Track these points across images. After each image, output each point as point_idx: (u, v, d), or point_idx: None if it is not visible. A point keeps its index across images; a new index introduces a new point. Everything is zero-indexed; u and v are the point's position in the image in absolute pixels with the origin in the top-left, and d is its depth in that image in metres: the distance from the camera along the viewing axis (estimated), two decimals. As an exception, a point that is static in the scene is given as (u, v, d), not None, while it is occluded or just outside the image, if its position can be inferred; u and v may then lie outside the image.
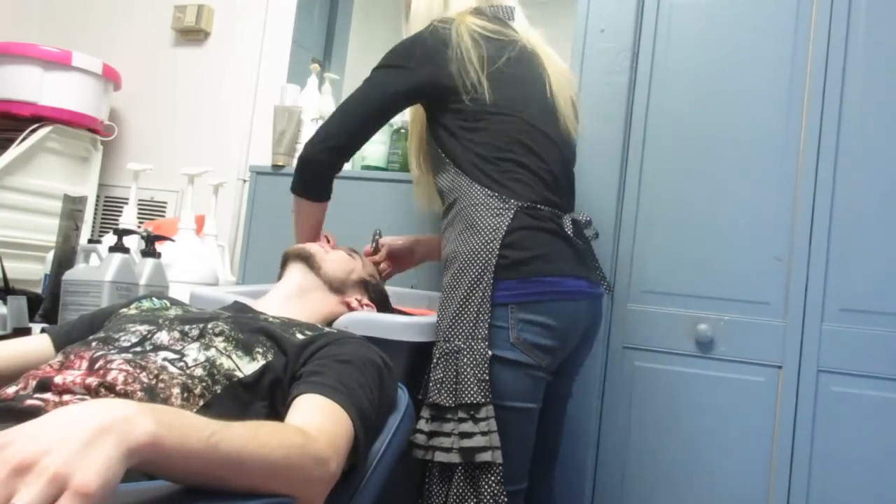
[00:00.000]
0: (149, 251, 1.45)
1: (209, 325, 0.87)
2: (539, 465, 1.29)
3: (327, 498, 0.69)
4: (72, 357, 0.80)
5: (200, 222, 1.85)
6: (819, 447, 1.37)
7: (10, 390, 0.76)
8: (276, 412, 0.80)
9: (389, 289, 1.38)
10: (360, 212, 1.68)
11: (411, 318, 1.20)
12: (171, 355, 0.80)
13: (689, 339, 1.49)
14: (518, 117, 1.19)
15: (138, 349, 0.82)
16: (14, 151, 1.95)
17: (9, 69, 2.01)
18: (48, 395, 0.73)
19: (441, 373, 1.08)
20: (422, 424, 1.07)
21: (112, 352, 0.81)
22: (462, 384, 1.06)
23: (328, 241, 1.28)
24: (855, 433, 1.35)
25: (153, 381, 0.75)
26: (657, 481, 1.49)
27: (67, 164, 2.13)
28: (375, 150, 1.80)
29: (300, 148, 1.86)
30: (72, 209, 1.54)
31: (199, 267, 1.67)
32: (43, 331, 1.00)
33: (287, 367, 0.84)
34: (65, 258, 1.49)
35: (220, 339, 0.85)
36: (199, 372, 0.79)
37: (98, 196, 2.31)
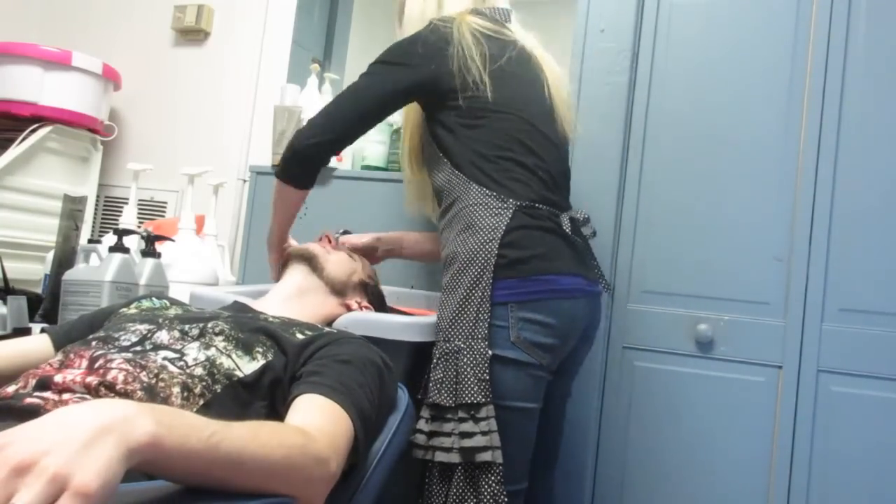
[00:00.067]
0: (149, 251, 1.45)
1: (209, 325, 0.87)
2: (539, 466, 1.29)
3: (327, 498, 0.69)
4: (71, 356, 0.80)
5: (200, 222, 1.85)
6: (819, 447, 1.37)
7: (10, 389, 0.76)
8: (276, 412, 0.80)
9: (389, 289, 1.38)
10: (360, 212, 1.68)
11: (411, 318, 1.20)
12: (171, 354, 0.80)
13: (689, 339, 1.49)
14: (518, 116, 1.19)
15: (138, 348, 0.82)
16: (14, 151, 1.95)
17: (9, 69, 2.00)
18: (48, 394, 0.73)
19: (441, 373, 1.08)
20: (422, 424, 1.07)
21: (112, 351, 0.81)
22: (462, 384, 1.06)
23: (329, 242, 1.28)
24: (855, 433, 1.35)
25: (153, 381, 0.75)
26: (657, 481, 1.49)
27: (67, 164, 2.13)
28: (375, 150, 1.80)
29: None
30: (72, 209, 1.54)
31: (199, 267, 1.67)
32: (43, 330, 1.00)
33: (287, 366, 0.84)
34: (65, 258, 1.49)
35: (220, 338, 0.85)
36: (198, 371, 0.79)
37: (98, 196, 2.31)
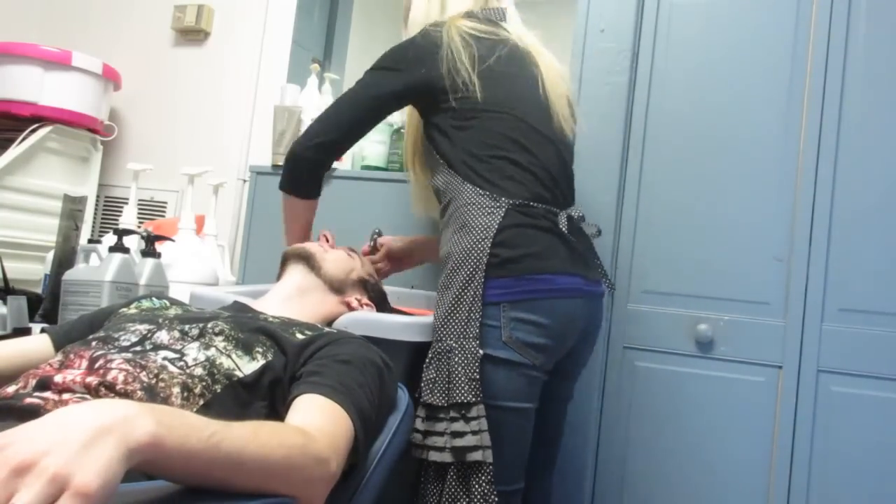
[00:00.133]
0: (149, 251, 1.45)
1: (209, 325, 0.87)
2: (537, 467, 1.28)
3: (327, 498, 0.69)
4: (71, 356, 0.80)
5: (200, 222, 1.85)
6: (819, 447, 1.37)
7: (10, 389, 0.76)
8: (276, 412, 0.80)
9: (389, 288, 1.38)
10: (360, 212, 1.68)
11: (411, 318, 1.20)
12: (170, 355, 0.80)
13: (689, 339, 1.49)
14: (510, 114, 1.18)
15: (138, 348, 0.82)
16: (14, 151, 1.95)
17: (9, 69, 2.00)
18: (48, 394, 0.73)
19: (434, 373, 1.08)
20: (418, 424, 1.07)
21: (112, 351, 0.81)
22: (454, 384, 1.06)
23: (327, 241, 1.28)
24: (855, 433, 1.35)
25: (153, 381, 0.75)
26: (657, 481, 1.49)
27: (67, 164, 2.13)
28: (375, 150, 1.80)
29: (298, 148, 1.87)
30: (72, 209, 1.54)
31: (199, 267, 1.67)
32: (43, 330, 1.00)
33: (287, 366, 0.84)
34: (65, 258, 1.49)
35: (220, 338, 0.85)
36: (198, 371, 0.79)
37: (98, 196, 2.31)
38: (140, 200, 2.10)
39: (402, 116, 1.51)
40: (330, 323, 1.11)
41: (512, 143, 1.17)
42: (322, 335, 0.90)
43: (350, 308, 1.16)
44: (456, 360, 1.07)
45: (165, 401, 0.74)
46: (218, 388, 0.78)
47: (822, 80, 1.44)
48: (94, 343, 0.84)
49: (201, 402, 0.76)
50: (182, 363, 0.79)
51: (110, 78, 2.17)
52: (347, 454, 0.73)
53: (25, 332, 1.26)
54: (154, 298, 1.03)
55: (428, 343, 1.13)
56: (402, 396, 0.97)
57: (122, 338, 0.85)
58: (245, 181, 2.14)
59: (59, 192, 1.74)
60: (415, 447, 1.07)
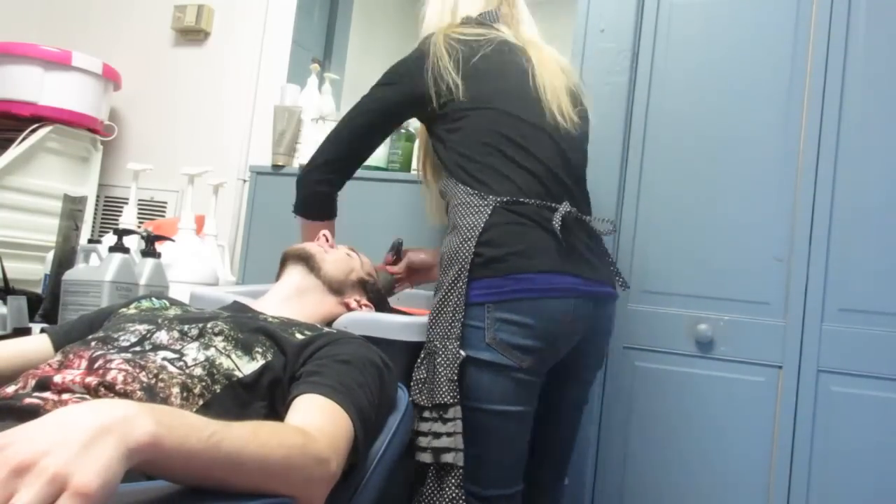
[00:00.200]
0: (149, 251, 1.45)
1: (208, 325, 0.87)
2: (547, 475, 1.27)
3: (327, 498, 0.69)
4: (71, 356, 0.80)
5: (200, 222, 1.85)
6: (819, 447, 1.37)
7: (10, 389, 0.76)
8: (276, 412, 0.80)
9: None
10: (360, 212, 1.67)
11: (410, 318, 1.20)
12: (170, 355, 0.80)
13: (689, 339, 1.49)
14: (495, 109, 1.17)
15: (137, 349, 0.82)
16: (14, 151, 1.95)
17: (9, 69, 2.00)
18: (47, 394, 0.73)
19: (423, 373, 1.08)
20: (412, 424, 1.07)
21: (111, 351, 0.81)
22: (435, 385, 1.06)
23: (327, 241, 1.28)
24: (855, 433, 1.35)
25: (152, 381, 0.75)
26: (658, 481, 1.49)
27: (67, 164, 2.13)
28: (375, 150, 1.80)
29: (300, 148, 1.87)
30: (72, 209, 1.54)
31: (199, 267, 1.67)
32: (43, 331, 1.00)
33: (286, 366, 0.84)
34: (65, 258, 1.49)
35: (220, 338, 0.85)
36: (198, 371, 0.79)
37: (98, 196, 2.31)
38: (140, 200, 2.10)
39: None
40: (329, 323, 1.11)
41: (501, 138, 1.15)
42: (322, 335, 0.90)
43: (349, 309, 1.16)
44: (439, 360, 1.07)
45: (165, 401, 0.74)
46: (217, 388, 0.78)
47: (822, 80, 1.44)
48: (93, 343, 0.84)
49: (201, 403, 0.76)
50: (181, 363, 0.79)
51: (110, 78, 2.17)
52: (347, 454, 0.73)
53: (25, 332, 1.26)
54: (154, 298, 1.03)
55: (426, 343, 1.13)
56: (402, 396, 0.97)
57: (122, 338, 0.85)
58: (245, 181, 2.14)
59: (59, 192, 1.74)
60: (412, 447, 1.07)
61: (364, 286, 1.20)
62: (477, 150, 1.16)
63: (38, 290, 1.62)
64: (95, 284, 1.31)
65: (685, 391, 1.48)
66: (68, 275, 1.36)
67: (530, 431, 1.16)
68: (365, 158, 1.32)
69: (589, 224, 1.17)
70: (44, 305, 1.46)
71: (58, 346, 0.94)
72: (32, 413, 0.68)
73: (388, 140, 1.81)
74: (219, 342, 0.84)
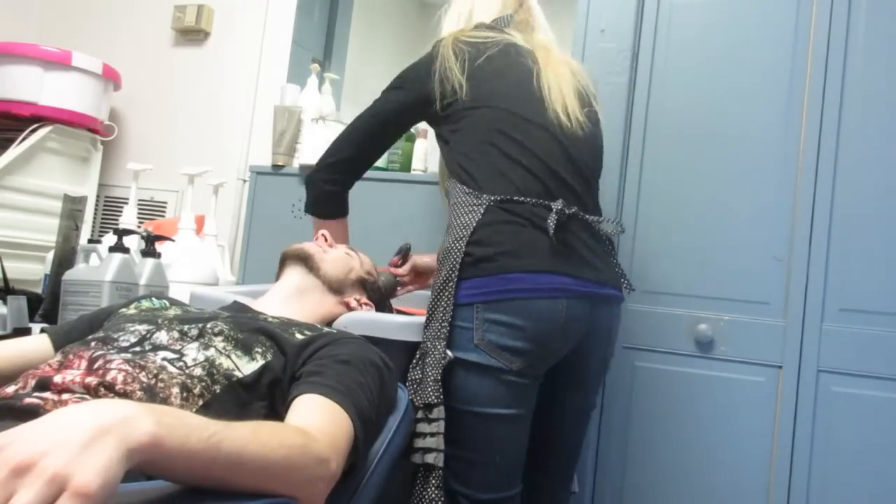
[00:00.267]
0: (149, 251, 1.45)
1: (208, 325, 0.87)
2: (554, 481, 1.26)
3: (327, 498, 0.69)
4: (71, 357, 0.80)
5: (200, 222, 1.85)
6: (819, 447, 1.37)
7: (10, 389, 0.76)
8: (276, 412, 0.80)
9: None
10: (360, 212, 1.67)
11: (410, 317, 1.20)
12: (170, 355, 0.80)
13: (689, 339, 1.49)
14: (495, 107, 1.16)
15: (137, 349, 0.82)
16: (14, 151, 1.95)
17: (9, 69, 2.00)
18: (47, 394, 0.73)
19: (416, 373, 1.08)
20: None
21: (111, 351, 0.81)
22: (424, 384, 1.05)
23: (325, 240, 1.28)
24: (855, 433, 1.35)
25: (152, 381, 0.75)
26: (657, 481, 1.49)
27: (67, 164, 2.13)
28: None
29: (300, 148, 1.88)
30: (72, 209, 1.54)
31: (199, 267, 1.67)
32: (42, 331, 1.00)
33: (286, 367, 0.84)
34: (65, 258, 1.49)
35: (220, 338, 0.85)
36: (198, 372, 0.79)
37: (98, 196, 2.31)
38: (140, 200, 2.10)
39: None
40: (329, 323, 1.11)
41: (499, 135, 1.14)
42: (321, 335, 0.90)
43: (349, 308, 1.16)
44: (428, 361, 1.07)
45: (165, 401, 0.74)
46: (217, 388, 0.78)
47: (822, 80, 1.44)
48: (93, 343, 0.84)
49: (201, 403, 0.76)
50: (181, 363, 0.79)
51: (110, 78, 2.17)
52: (347, 454, 0.73)
53: (25, 332, 1.26)
54: (154, 298, 1.03)
55: (426, 343, 1.13)
56: (402, 396, 0.97)
57: (122, 338, 0.85)
58: (245, 181, 2.14)
59: (59, 192, 1.74)
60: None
61: (364, 285, 1.20)
62: (476, 149, 1.16)
63: (38, 290, 1.62)
64: (95, 284, 1.31)
65: (685, 391, 1.48)
66: (68, 275, 1.36)
67: (527, 434, 1.14)
68: (374, 160, 1.33)
69: (593, 224, 1.15)
70: (44, 305, 1.46)
71: (58, 346, 0.94)
72: (32, 413, 0.68)
73: (388, 140, 1.81)
74: (219, 342, 0.84)
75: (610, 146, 1.54)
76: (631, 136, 1.58)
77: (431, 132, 1.79)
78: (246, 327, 0.88)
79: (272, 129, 1.90)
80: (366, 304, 1.19)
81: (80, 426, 0.46)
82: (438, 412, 1.03)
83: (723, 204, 1.49)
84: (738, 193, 1.49)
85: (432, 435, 1.03)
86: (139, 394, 0.73)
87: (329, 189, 1.30)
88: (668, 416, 1.49)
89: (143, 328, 0.87)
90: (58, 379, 0.74)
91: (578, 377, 1.21)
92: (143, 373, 0.76)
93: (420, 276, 1.43)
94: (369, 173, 1.75)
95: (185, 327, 0.87)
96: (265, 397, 0.81)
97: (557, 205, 1.09)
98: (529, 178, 1.12)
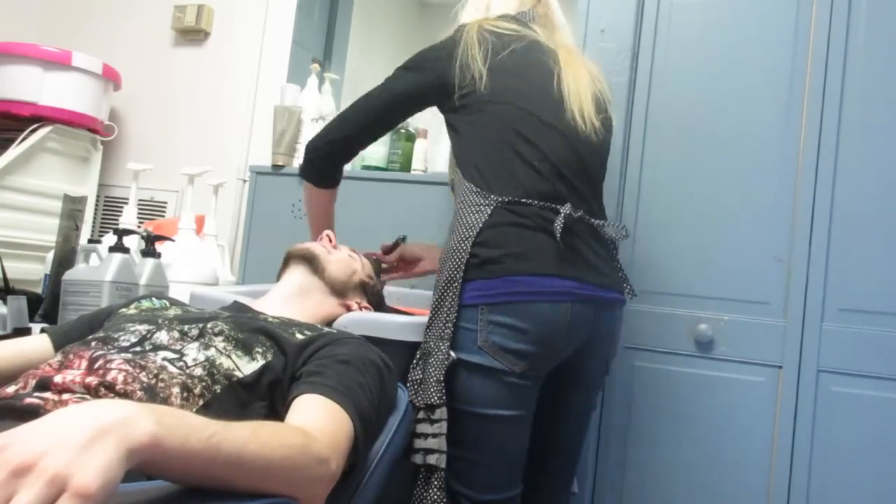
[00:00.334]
0: (149, 251, 1.45)
1: (209, 325, 0.87)
2: (554, 482, 1.26)
3: (327, 498, 0.69)
4: (71, 357, 0.80)
5: (200, 222, 1.85)
6: (819, 447, 1.37)
7: (10, 389, 0.76)
8: (276, 412, 0.80)
9: (390, 288, 1.38)
10: (360, 212, 1.68)
11: (410, 318, 1.20)
12: (170, 355, 0.80)
13: (689, 339, 1.49)
14: (513, 104, 1.15)
15: (138, 349, 0.82)
16: (14, 151, 1.95)
17: (9, 69, 2.01)
18: (47, 394, 0.73)
19: (417, 374, 1.08)
20: None
21: (111, 351, 0.81)
22: (426, 385, 1.05)
23: (330, 241, 1.28)
24: (855, 433, 1.35)
25: (153, 381, 0.75)
26: (657, 481, 1.49)
27: (67, 164, 2.13)
28: (375, 150, 1.80)
29: (300, 148, 1.88)
30: (72, 209, 1.54)
31: (199, 267, 1.67)
32: (43, 331, 1.00)
33: (286, 367, 0.84)
34: (65, 258, 1.49)
35: (220, 338, 0.85)
36: (198, 371, 0.79)
37: (98, 196, 2.31)
38: (140, 200, 2.10)
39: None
40: (329, 324, 1.11)
41: (514, 133, 1.13)
42: (322, 335, 0.90)
43: (349, 310, 1.15)
44: (431, 361, 1.06)
45: (165, 401, 0.74)
46: (217, 388, 0.78)
47: (822, 80, 1.44)
48: (93, 343, 0.84)
49: (201, 403, 0.76)
50: (182, 363, 0.79)
51: (110, 78, 2.17)
52: (348, 454, 0.73)
53: (25, 332, 1.26)
54: (154, 298, 1.03)
55: (427, 343, 1.13)
56: (402, 396, 0.97)
57: (122, 338, 0.85)
58: (245, 181, 2.14)
59: (59, 192, 1.74)
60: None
61: (365, 288, 1.21)
62: (489, 145, 1.14)
63: (38, 290, 1.62)
64: (95, 284, 1.31)
65: (685, 391, 1.48)
66: (68, 275, 1.36)
67: (528, 435, 1.14)
68: (377, 138, 1.32)
69: (599, 229, 1.15)
70: (44, 305, 1.46)
71: (58, 346, 0.94)
72: (32, 413, 0.68)
73: (387, 140, 1.81)
74: (219, 342, 0.84)
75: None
76: (631, 135, 1.58)
77: (431, 132, 1.81)
78: (246, 327, 0.88)
79: (272, 129, 1.90)
80: (366, 307, 1.19)
81: (80, 426, 0.46)
82: (441, 413, 1.03)
83: (723, 204, 1.49)
84: (738, 193, 1.49)
85: (434, 436, 1.03)
86: (139, 394, 0.73)
87: (327, 161, 1.28)
88: (668, 416, 1.49)
89: (143, 328, 0.87)
90: (58, 379, 0.74)
91: (580, 378, 1.21)
92: (144, 373, 0.76)
93: (407, 264, 1.43)
94: (369, 173, 1.76)
95: (186, 327, 0.87)
96: (265, 397, 0.81)
97: (566, 209, 1.09)
98: (539, 179, 1.11)
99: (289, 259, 1.17)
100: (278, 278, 1.17)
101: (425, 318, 1.15)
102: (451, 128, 1.22)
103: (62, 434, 0.45)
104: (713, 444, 1.45)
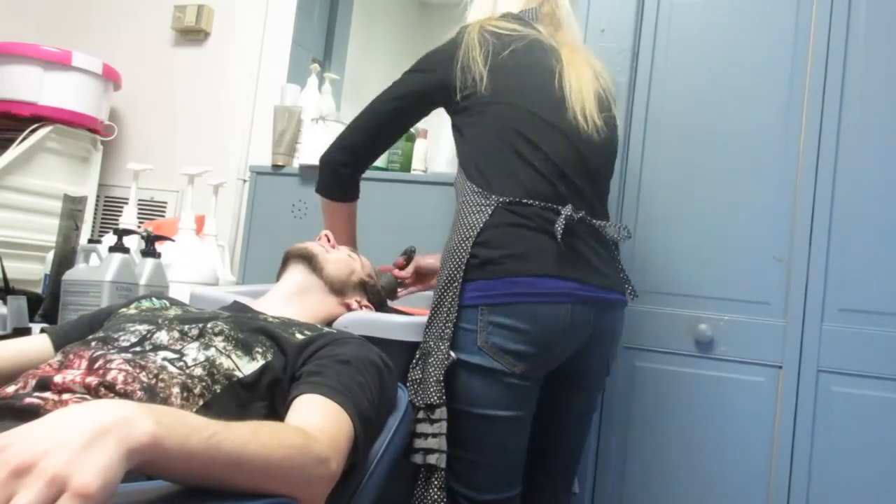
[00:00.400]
0: (149, 251, 1.45)
1: (209, 325, 0.87)
2: (555, 482, 1.25)
3: (327, 498, 0.69)
4: (71, 357, 0.80)
5: (200, 222, 1.85)
6: (819, 447, 1.37)
7: (10, 389, 0.76)
8: (276, 412, 0.80)
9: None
10: (360, 212, 1.67)
11: (410, 318, 1.20)
12: (170, 355, 0.80)
13: (689, 339, 1.49)
14: (513, 104, 1.14)
15: (138, 349, 0.82)
16: (14, 151, 1.95)
17: (9, 69, 2.00)
18: (47, 394, 0.73)
19: (417, 373, 1.08)
20: None
21: (111, 351, 0.81)
22: (425, 384, 1.05)
23: (328, 241, 1.28)
24: (855, 433, 1.35)
25: (153, 381, 0.75)
26: (657, 481, 1.49)
27: (67, 164, 2.13)
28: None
29: (300, 148, 1.88)
30: (72, 209, 1.54)
31: (199, 267, 1.67)
32: (43, 331, 1.00)
33: (286, 367, 0.84)
34: (65, 258, 1.49)
35: (220, 338, 0.85)
36: (198, 371, 0.79)
37: (98, 196, 2.30)
38: (140, 200, 2.10)
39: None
40: (329, 323, 1.11)
41: (514, 134, 1.13)
42: (322, 335, 0.90)
43: (349, 309, 1.16)
44: (430, 361, 1.06)
45: (165, 401, 0.74)
46: (217, 388, 0.78)
47: (822, 79, 1.45)
48: (93, 343, 0.84)
49: (201, 403, 0.76)
50: (182, 363, 0.79)
51: (110, 78, 2.17)
52: (348, 454, 0.73)
53: (25, 332, 1.26)
54: (154, 298, 1.03)
55: (426, 344, 1.13)
56: (402, 396, 0.97)
57: (122, 338, 0.85)
58: (245, 181, 2.14)
59: (59, 192, 1.74)
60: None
61: (364, 287, 1.21)
62: (490, 146, 1.14)
63: (38, 290, 1.62)
64: (95, 284, 1.31)
65: (685, 391, 1.48)
66: (68, 275, 1.36)
67: (527, 436, 1.14)
68: (390, 144, 1.32)
69: (600, 230, 1.14)
70: (44, 305, 1.46)
71: (58, 346, 0.94)
72: (32, 413, 0.68)
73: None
74: (219, 342, 0.84)
75: (610, 146, 1.55)
76: (631, 135, 1.58)
77: (431, 131, 1.81)
78: (246, 327, 0.88)
79: (272, 129, 1.90)
80: (366, 306, 1.19)
81: (80, 427, 0.46)
82: (441, 413, 1.03)
83: (723, 204, 1.50)
84: (738, 193, 1.49)
85: (434, 436, 1.03)
86: (139, 394, 0.73)
87: (343, 172, 1.29)
88: (668, 417, 1.49)
89: (143, 328, 0.87)
90: (58, 379, 0.74)
91: (580, 379, 1.21)
92: (144, 373, 0.76)
93: (422, 277, 1.42)
94: (369, 173, 1.75)
95: (186, 327, 0.87)
96: (265, 397, 0.81)
97: (567, 210, 1.09)
98: (539, 179, 1.11)
99: (287, 259, 1.17)
100: (278, 278, 1.17)
101: (425, 318, 1.15)
102: (455, 129, 1.23)
103: (62, 434, 0.45)
104: (713, 444, 1.45)
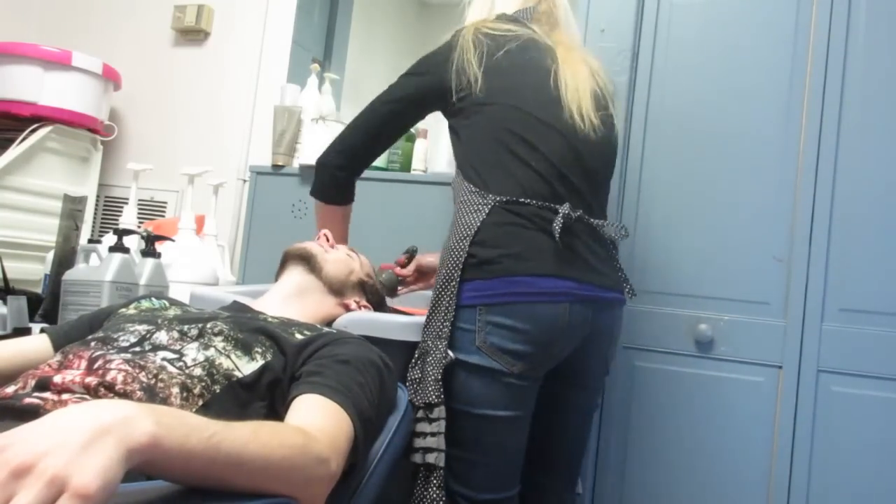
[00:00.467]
0: (149, 251, 1.45)
1: (208, 325, 0.87)
2: (557, 482, 1.25)
3: (327, 498, 0.69)
4: (70, 357, 0.80)
5: (200, 222, 1.85)
6: (819, 447, 1.37)
7: (9, 389, 0.76)
8: (276, 412, 0.80)
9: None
10: (360, 212, 1.67)
11: (410, 318, 1.20)
12: (170, 355, 0.80)
13: (689, 339, 1.49)
14: (508, 104, 1.14)
15: (137, 349, 0.82)
16: (14, 151, 1.95)
17: (9, 69, 2.00)
18: (47, 394, 0.73)
19: (416, 373, 1.08)
20: None
21: (111, 351, 0.81)
22: (424, 384, 1.05)
23: (327, 240, 1.28)
24: (855, 433, 1.35)
25: (152, 381, 0.75)
26: (657, 481, 1.49)
27: (67, 164, 2.13)
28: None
29: (300, 148, 1.88)
30: (72, 209, 1.54)
31: (199, 267, 1.67)
32: (42, 331, 1.00)
33: (286, 367, 0.84)
34: (65, 258, 1.49)
35: (220, 338, 0.85)
36: (198, 372, 0.79)
37: (98, 196, 2.31)
38: (140, 200, 2.10)
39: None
40: (329, 323, 1.11)
41: (510, 134, 1.12)
42: (321, 335, 0.90)
43: (348, 309, 1.15)
44: (429, 360, 1.06)
45: (165, 401, 0.74)
46: (217, 388, 0.78)
47: (822, 79, 1.44)
48: (93, 343, 0.84)
49: (200, 403, 0.76)
50: (181, 363, 0.79)
51: (110, 78, 2.17)
52: (348, 454, 0.73)
53: (25, 332, 1.26)
54: (154, 299, 1.03)
55: (426, 343, 1.12)
56: (402, 396, 0.97)
57: (122, 338, 0.85)
58: (245, 181, 2.14)
59: (59, 192, 1.74)
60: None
61: (363, 287, 1.20)
62: (485, 146, 1.14)
63: (38, 290, 1.62)
64: (95, 284, 1.31)
65: (685, 391, 1.48)
66: (68, 275, 1.36)
67: (526, 436, 1.14)
68: (386, 147, 1.33)
69: (598, 229, 1.14)
70: (44, 305, 1.46)
71: (57, 346, 0.94)
72: (32, 413, 0.68)
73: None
74: (218, 342, 0.84)
75: (610, 146, 1.55)
76: (631, 135, 1.58)
77: (431, 131, 1.81)
78: (246, 327, 0.88)
79: (272, 129, 1.90)
80: (365, 306, 1.19)
81: (79, 427, 0.46)
82: (439, 412, 1.03)
83: (723, 204, 1.49)
84: (738, 193, 1.48)
85: (433, 435, 1.03)
86: (139, 394, 0.73)
87: (339, 175, 1.29)
88: (668, 417, 1.49)
89: (142, 328, 0.87)
90: (58, 379, 0.74)
91: (579, 378, 1.21)
92: (143, 373, 0.76)
93: (423, 275, 1.42)
94: (369, 173, 1.75)
95: (185, 327, 0.87)
96: (265, 397, 0.81)
97: (564, 209, 1.08)
98: (536, 179, 1.11)
99: (286, 259, 1.17)
100: (276, 278, 1.17)
101: (424, 318, 1.15)
102: (452, 131, 1.23)
103: (62, 434, 0.45)
104: (713, 444, 1.45)
